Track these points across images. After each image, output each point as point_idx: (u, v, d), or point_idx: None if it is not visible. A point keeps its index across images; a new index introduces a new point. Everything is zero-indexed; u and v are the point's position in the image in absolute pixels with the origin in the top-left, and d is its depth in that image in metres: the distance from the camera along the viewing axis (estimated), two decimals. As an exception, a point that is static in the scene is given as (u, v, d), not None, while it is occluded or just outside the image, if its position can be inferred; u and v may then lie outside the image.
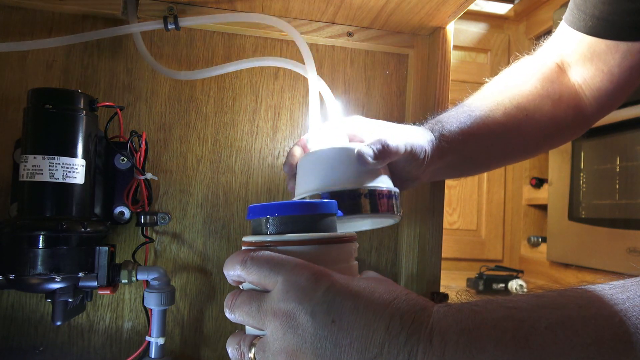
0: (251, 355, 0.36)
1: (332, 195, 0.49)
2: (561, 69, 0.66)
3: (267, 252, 0.36)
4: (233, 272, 0.37)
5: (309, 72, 0.64)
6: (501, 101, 0.61)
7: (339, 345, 0.32)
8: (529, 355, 0.28)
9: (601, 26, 0.60)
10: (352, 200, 0.50)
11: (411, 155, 0.54)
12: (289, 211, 0.38)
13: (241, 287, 0.39)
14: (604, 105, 0.65)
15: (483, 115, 0.59)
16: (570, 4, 0.65)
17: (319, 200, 0.40)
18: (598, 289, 0.31)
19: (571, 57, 0.66)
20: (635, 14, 0.57)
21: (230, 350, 0.38)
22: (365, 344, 0.31)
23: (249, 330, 0.38)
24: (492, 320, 0.30)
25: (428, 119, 0.62)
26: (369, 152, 0.50)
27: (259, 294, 0.36)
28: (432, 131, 0.58)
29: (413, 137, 0.54)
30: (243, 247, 0.39)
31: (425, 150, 0.55)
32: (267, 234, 0.38)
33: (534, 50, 0.73)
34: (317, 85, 0.62)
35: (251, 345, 0.36)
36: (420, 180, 0.60)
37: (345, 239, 0.39)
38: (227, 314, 0.37)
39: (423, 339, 0.30)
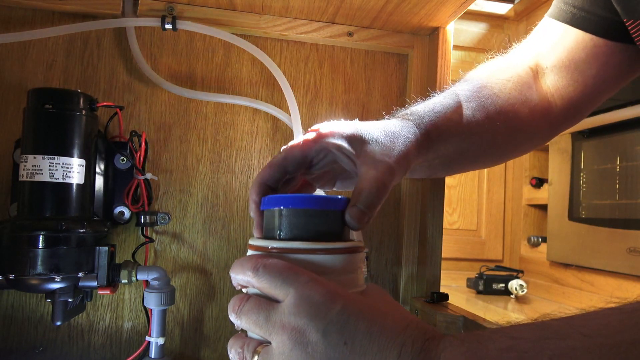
0: None
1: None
2: (535, 74, 0.64)
3: (280, 262, 0.35)
4: (242, 276, 0.36)
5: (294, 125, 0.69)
6: (482, 103, 0.58)
7: None
8: None
9: (585, 19, 0.58)
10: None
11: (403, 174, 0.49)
12: (304, 204, 0.37)
13: (244, 292, 0.38)
14: (572, 116, 0.63)
15: (468, 115, 0.56)
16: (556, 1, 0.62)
17: (335, 196, 0.38)
18: (607, 314, 0.30)
19: (548, 60, 0.63)
20: (613, 12, 0.55)
21: (233, 353, 0.37)
22: None
23: (252, 334, 0.37)
24: (496, 351, 0.30)
25: (406, 111, 0.55)
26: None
27: (268, 303, 0.35)
28: (417, 127, 0.52)
29: (398, 149, 0.48)
30: (250, 251, 0.39)
31: (409, 160, 0.49)
32: (278, 237, 0.37)
33: (508, 48, 0.70)
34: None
35: (255, 352, 0.35)
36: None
37: (356, 249, 0.38)
38: (232, 319, 0.36)
39: None
